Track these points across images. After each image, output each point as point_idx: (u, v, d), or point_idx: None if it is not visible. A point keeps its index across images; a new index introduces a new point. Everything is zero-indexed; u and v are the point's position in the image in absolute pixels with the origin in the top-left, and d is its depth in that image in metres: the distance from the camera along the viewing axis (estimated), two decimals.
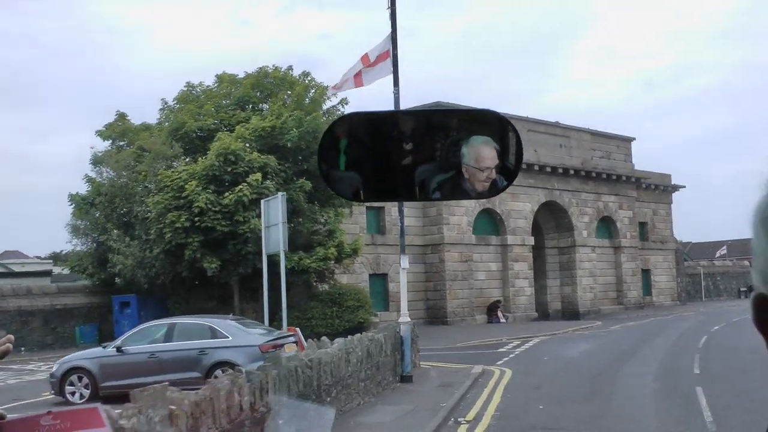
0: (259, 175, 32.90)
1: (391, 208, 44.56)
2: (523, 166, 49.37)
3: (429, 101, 42.60)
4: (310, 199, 35.48)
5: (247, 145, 34.58)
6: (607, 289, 56.23)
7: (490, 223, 48.59)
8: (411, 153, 1.92)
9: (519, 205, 49.07)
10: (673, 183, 64.80)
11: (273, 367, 11.88)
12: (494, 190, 1.94)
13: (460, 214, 46.02)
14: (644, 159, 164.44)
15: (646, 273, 61.30)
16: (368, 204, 43.12)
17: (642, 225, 61.58)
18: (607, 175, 55.60)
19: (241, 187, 32.61)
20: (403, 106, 21.68)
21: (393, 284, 44.43)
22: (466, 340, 34.44)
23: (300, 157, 35.87)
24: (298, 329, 23.98)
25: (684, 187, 65.68)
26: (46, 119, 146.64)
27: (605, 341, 31.92)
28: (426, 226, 46.10)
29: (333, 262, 35.94)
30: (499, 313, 46.80)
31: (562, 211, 52.79)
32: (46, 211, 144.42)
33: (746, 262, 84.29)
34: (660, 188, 63.28)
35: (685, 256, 75.06)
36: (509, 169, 1.93)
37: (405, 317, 21.17)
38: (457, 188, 1.93)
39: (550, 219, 53.99)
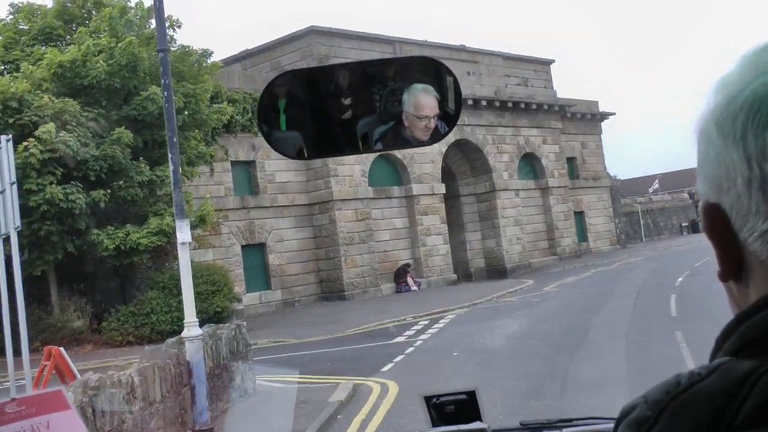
0: (51, 126, 23.73)
1: (265, 161, 35.65)
2: None
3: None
4: (135, 155, 26.44)
5: (40, 87, 25.35)
6: (536, 238, 48.07)
7: (390, 172, 39.90)
8: (350, 107, 1.96)
9: (423, 148, 40.32)
10: (600, 110, 56.74)
11: None
12: (436, 136, 2.00)
13: (352, 162, 37.25)
14: (565, 86, 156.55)
15: (579, 216, 53.32)
16: (234, 159, 34.19)
17: (570, 161, 53.47)
18: (525, 105, 47.19)
19: (26, 144, 23.49)
20: None
21: (274, 256, 35.63)
22: (360, 324, 25.97)
23: (118, 101, 26.69)
24: (63, 351, 14.99)
25: (614, 114, 57.77)
26: None
27: (538, 314, 23.54)
28: (311, 181, 37.25)
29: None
30: (409, 280, 38.31)
31: (476, 151, 44.24)
32: None
33: (685, 194, 77.34)
34: (587, 117, 55.16)
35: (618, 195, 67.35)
36: (450, 115, 1.99)
37: (193, 328, 11.94)
38: (399, 138, 1.98)
39: (463, 161, 45.48)
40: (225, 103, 28.76)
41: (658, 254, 46.38)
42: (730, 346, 1.01)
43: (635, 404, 1.00)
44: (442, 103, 1.95)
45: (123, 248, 25.19)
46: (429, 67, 2.01)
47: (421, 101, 1.94)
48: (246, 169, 35.63)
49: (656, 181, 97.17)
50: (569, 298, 27.40)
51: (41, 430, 1.76)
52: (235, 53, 39.96)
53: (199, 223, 26.49)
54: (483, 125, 44.27)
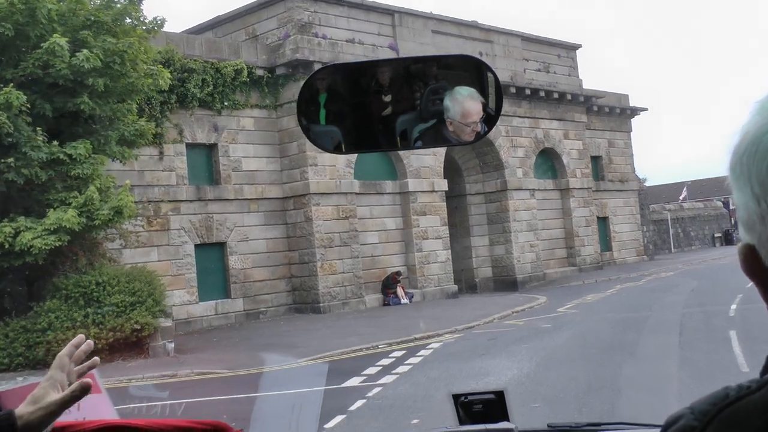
0: None
1: (229, 145, 29.83)
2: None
3: None
4: (49, 130, 20.64)
5: None
6: (553, 246, 41.88)
7: (382, 163, 33.90)
8: (391, 103, 2.00)
9: None
10: (631, 105, 50.42)
11: None
12: (477, 136, 2.02)
13: None
14: (591, 76, 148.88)
15: (603, 222, 47.10)
16: (191, 140, 28.38)
17: (595, 160, 47.27)
18: (546, 93, 41.02)
19: None
20: None
21: (236, 258, 29.75)
22: (318, 351, 20.07)
23: (14, 54, 20.80)
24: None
25: (646, 110, 51.35)
26: None
27: (546, 352, 17.36)
28: (285, 170, 31.31)
29: (91, 229, 20.94)
30: (399, 291, 32.28)
31: (486, 144, 38.05)
32: None
33: (718, 202, 70.96)
34: (616, 111, 48.83)
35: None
36: (490, 115, 2.01)
37: None
38: (439, 136, 2.02)
39: (471, 155, 39.41)
40: (159, 66, 22.67)
41: (694, 269, 40.16)
42: None
43: (681, 414, 0.99)
44: (483, 104, 1.98)
45: (11, 248, 19.33)
46: (470, 65, 2.04)
47: (468, 108, 1.98)
48: (205, 153, 29.73)
49: (684, 188, 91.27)
50: (589, 326, 21.30)
51: (71, 411, 1.74)
52: (207, 20, 34.06)
53: (113, 217, 20.48)
54: None
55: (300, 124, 2.03)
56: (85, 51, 19.89)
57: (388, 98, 1.99)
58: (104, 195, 20.96)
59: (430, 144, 2.06)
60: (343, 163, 31.50)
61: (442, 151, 34.89)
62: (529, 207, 39.93)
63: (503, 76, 38.41)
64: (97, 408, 1.89)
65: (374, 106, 1.99)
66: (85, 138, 21.17)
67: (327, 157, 30.93)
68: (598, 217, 45.31)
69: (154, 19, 23.02)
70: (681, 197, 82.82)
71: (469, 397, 2.76)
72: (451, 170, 37.86)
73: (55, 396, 1.71)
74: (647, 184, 64.31)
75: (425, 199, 34.50)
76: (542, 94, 40.53)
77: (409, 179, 33.80)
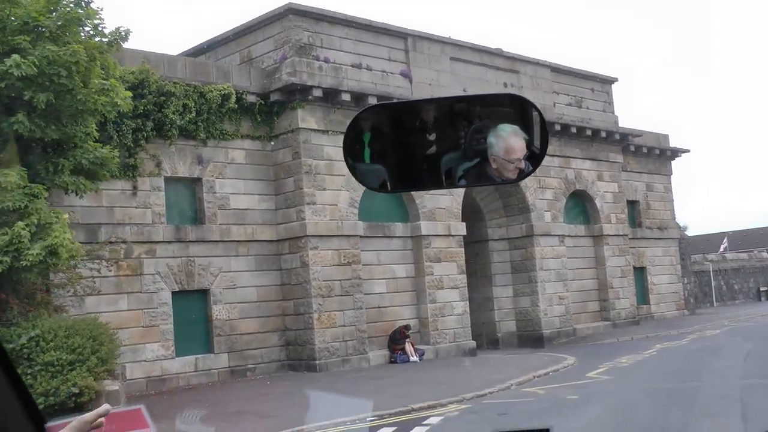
0: None
1: (215, 180, 26.45)
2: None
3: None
4: None
5: None
6: (584, 298, 37.84)
7: (392, 203, 30.25)
8: (435, 142, 2.07)
9: None
10: (671, 146, 46.48)
11: None
12: (521, 175, 2.10)
13: (336, 187, 27.77)
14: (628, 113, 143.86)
15: (640, 272, 42.99)
16: (170, 174, 25.04)
17: (632, 204, 43.31)
18: (578, 130, 37.31)
19: None
20: None
21: (221, 307, 26.18)
22: (289, 425, 16.29)
23: None
24: None
25: (687, 151, 47.40)
26: None
27: None
28: (280, 209, 27.77)
29: (19, 272, 17.44)
30: (408, 347, 28.44)
31: (510, 184, 34.22)
32: None
33: (764, 254, 66.58)
34: (655, 152, 44.91)
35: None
36: (534, 153, 2.09)
37: None
38: (483, 175, 2.09)
39: (494, 196, 35.66)
40: (114, 81, 19.15)
41: (742, 326, 36.02)
42: None
43: None
44: (527, 141, 2.04)
45: None
46: (515, 103, 2.11)
47: (512, 144, 2.04)
48: (187, 188, 26.27)
49: (725, 238, 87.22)
50: (624, 399, 17.39)
51: None
52: (199, 42, 30.76)
53: (46, 257, 16.94)
54: None
55: (346, 162, 2.15)
56: (15, 56, 16.55)
57: (432, 137, 2.04)
58: (42, 232, 17.45)
59: (474, 182, 2.14)
60: (346, 202, 27.92)
61: (460, 191, 31.16)
62: (558, 255, 36.02)
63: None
64: None
65: (419, 145, 2.06)
66: (22, 165, 17.77)
67: (327, 196, 27.41)
68: (634, 267, 41.24)
69: (117, 29, 19.63)
70: (722, 248, 78.54)
71: None
72: (471, 213, 34.15)
73: None
74: (688, 232, 60.24)
75: (440, 243, 30.77)
76: (573, 130, 36.81)
77: (422, 222, 30.12)
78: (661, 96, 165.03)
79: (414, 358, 28.16)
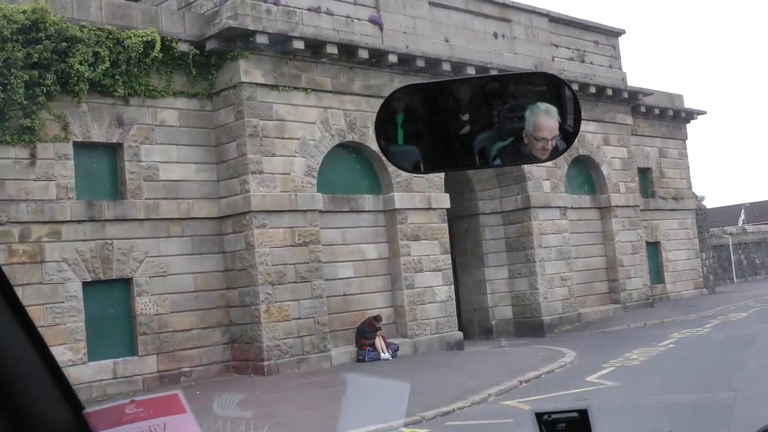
0: None
1: (141, 146, 21.96)
2: (422, 64, 26.66)
3: None
4: None
5: None
6: (590, 278, 33.24)
7: (359, 172, 25.71)
8: (468, 122, 2.00)
9: None
10: (686, 107, 41.71)
11: None
12: (554, 153, 2.00)
13: (290, 153, 23.26)
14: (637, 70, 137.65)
15: (653, 248, 38.38)
16: (82, 138, 20.48)
17: (643, 172, 38.64)
18: (581, 87, 32.64)
19: None
20: None
21: (147, 300, 21.74)
22: None
23: None
24: None
25: (704, 113, 42.65)
26: None
27: None
28: (222, 181, 23.27)
29: None
30: (379, 342, 23.97)
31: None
32: None
33: None
34: (668, 114, 40.19)
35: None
36: (568, 132, 1.99)
37: None
38: (518, 154, 2.01)
39: None
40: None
41: None
42: None
43: None
44: (561, 122, 1.95)
45: None
46: (548, 81, 2.01)
47: (541, 122, 1.95)
48: (104, 156, 21.72)
49: (742, 210, 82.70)
50: (631, 422, 12.86)
51: (158, 431, 1.79)
52: None
53: None
54: None
55: (378, 144, 2.04)
56: None
57: (465, 117, 1.98)
58: None
59: (509, 162, 2.06)
60: (302, 170, 23.40)
61: None
62: (560, 229, 31.40)
63: (525, 64, 30.24)
64: (183, 428, 1.82)
65: (452, 125, 1.99)
66: None
67: (277, 163, 22.90)
68: (647, 242, 36.62)
69: None
70: (740, 221, 74.00)
71: (553, 416, 2.64)
72: (458, 183, 29.64)
73: None
74: (705, 203, 55.60)
75: (419, 218, 26.22)
76: (576, 87, 32.02)
77: (396, 193, 25.58)
78: (674, 51, 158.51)
79: (385, 354, 23.71)
